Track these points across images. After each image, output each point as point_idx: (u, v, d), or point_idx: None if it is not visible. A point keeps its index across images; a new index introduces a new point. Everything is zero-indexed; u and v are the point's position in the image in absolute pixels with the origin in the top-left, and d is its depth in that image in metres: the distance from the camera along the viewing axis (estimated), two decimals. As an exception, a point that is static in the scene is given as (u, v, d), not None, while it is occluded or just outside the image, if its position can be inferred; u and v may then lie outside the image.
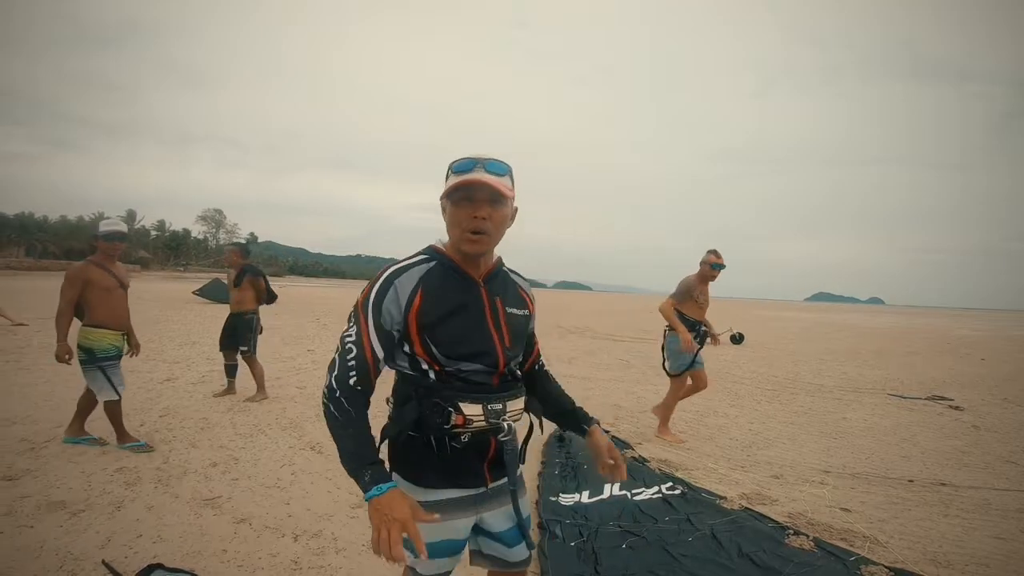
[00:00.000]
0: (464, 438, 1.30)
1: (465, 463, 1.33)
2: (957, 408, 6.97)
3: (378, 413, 1.28)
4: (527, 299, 1.48)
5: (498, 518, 1.42)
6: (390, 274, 1.30)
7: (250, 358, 5.95)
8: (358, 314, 1.29)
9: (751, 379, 8.92)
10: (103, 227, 4.07)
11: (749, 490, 3.71)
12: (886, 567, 2.51)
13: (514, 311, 1.41)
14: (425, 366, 1.30)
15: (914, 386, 8.71)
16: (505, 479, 1.39)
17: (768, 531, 2.93)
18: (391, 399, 1.38)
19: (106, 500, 3.17)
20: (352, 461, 1.21)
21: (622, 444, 4.57)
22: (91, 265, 3.98)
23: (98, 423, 4.23)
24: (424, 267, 1.32)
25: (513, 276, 1.48)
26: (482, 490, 1.37)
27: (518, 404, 1.38)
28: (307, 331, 13.01)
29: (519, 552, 1.45)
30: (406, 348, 1.31)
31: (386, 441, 1.35)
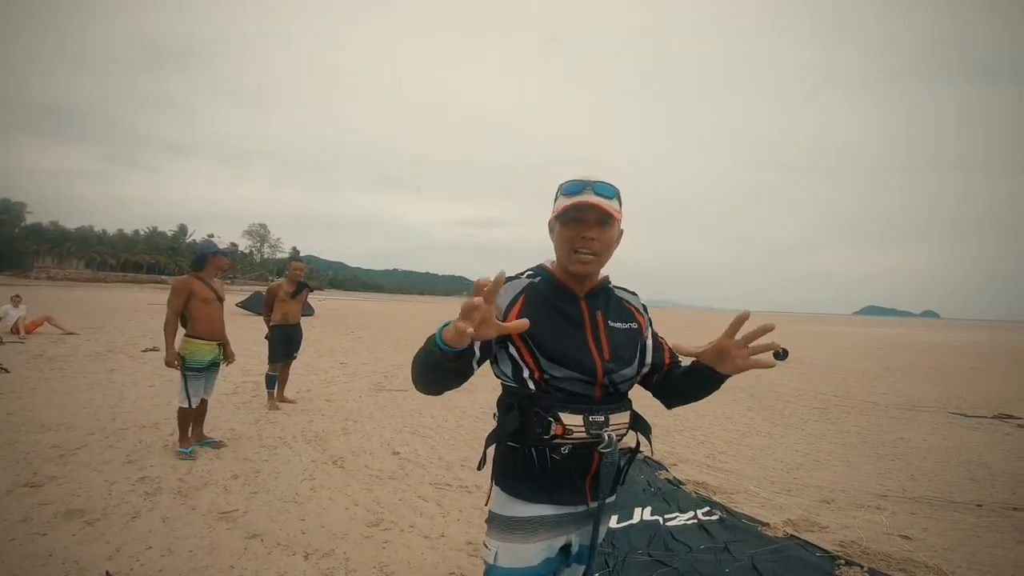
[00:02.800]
0: (564, 450, 1.27)
1: (565, 477, 1.29)
2: (1027, 428, 6.39)
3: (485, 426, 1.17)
4: (635, 312, 1.44)
5: (583, 537, 1.38)
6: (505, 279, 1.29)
7: (288, 364, 6.28)
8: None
9: (797, 397, 8.45)
10: (215, 244, 4.42)
11: (795, 516, 3.40)
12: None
13: (618, 325, 1.37)
14: (526, 373, 1.28)
15: (978, 404, 8.08)
16: (610, 499, 1.36)
17: (816, 561, 2.65)
18: (497, 411, 1.38)
19: (123, 510, 3.14)
20: (423, 349, 1.19)
21: (656, 465, 4.30)
22: (193, 278, 4.25)
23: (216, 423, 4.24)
24: (530, 279, 1.35)
25: (619, 292, 1.47)
26: (581, 508, 1.32)
27: (622, 418, 1.32)
28: (342, 344, 13.12)
29: (576, 571, 1.41)
30: (510, 350, 1.30)
31: (491, 451, 1.34)
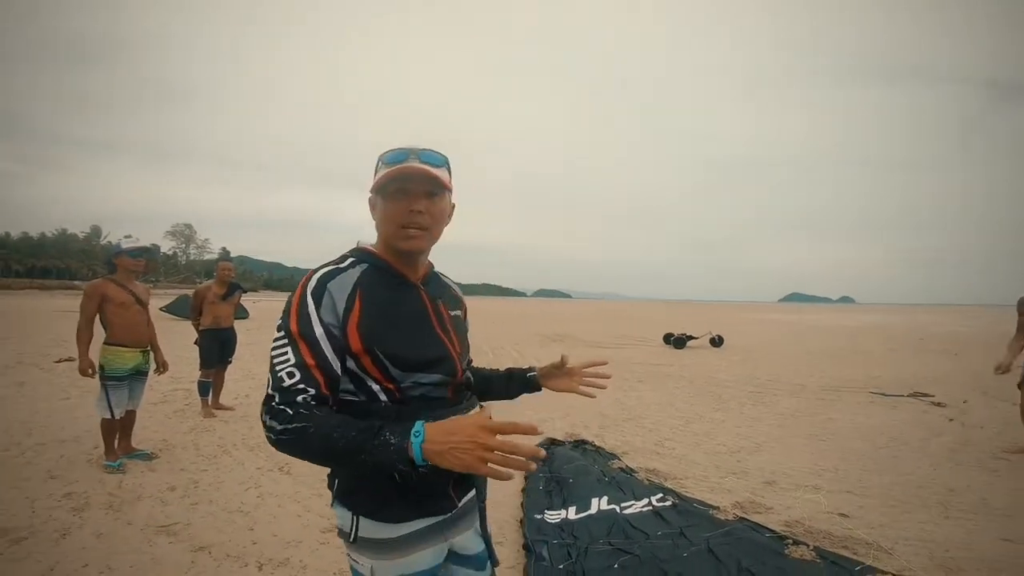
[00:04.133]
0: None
1: (434, 487, 1.16)
2: (939, 404, 6.96)
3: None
4: (461, 300, 1.38)
5: (469, 540, 1.27)
6: (321, 278, 1.12)
7: (223, 369, 6.01)
8: (291, 331, 1.07)
9: (733, 382, 8.84)
10: (126, 244, 4.14)
11: (742, 498, 3.55)
12: (894, 575, 2.36)
13: (456, 313, 1.31)
14: (376, 387, 1.12)
15: (894, 383, 8.71)
16: (472, 493, 1.24)
17: (766, 542, 2.77)
18: None
19: (51, 527, 2.91)
20: (355, 446, 0.96)
21: (608, 455, 4.38)
22: (108, 281, 4.00)
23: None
24: (357, 270, 1.16)
25: (444, 278, 1.37)
26: (451, 513, 1.21)
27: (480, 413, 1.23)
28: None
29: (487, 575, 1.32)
30: (350, 366, 1.11)
31: (336, 482, 1.19)
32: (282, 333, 1.08)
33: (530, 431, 0.93)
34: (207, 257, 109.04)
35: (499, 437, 0.92)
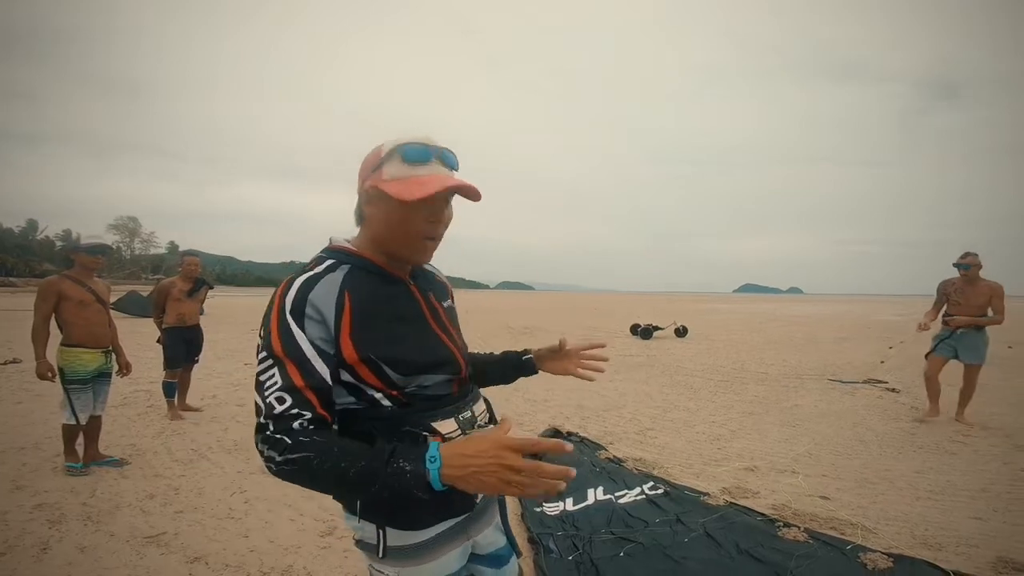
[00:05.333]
0: None
1: (452, 490, 1.14)
2: (893, 391, 7.34)
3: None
4: (448, 286, 1.30)
5: (490, 536, 1.23)
6: (300, 289, 1.00)
7: (189, 369, 5.78)
8: (274, 351, 0.97)
9: (702, 371, 9.10)
10: (84, 240, 3.95)
11: (729, 484, 3.67)
12: (884, 553, 2.50)
13: (448, 304, 1.24)
14: (378, 395, 1.04)
15: (849, 370, 9.14)
16: None
17: (759, 525, 2.88)
18: None
19: (28, 541, 2.76)
20: (367, 476, 0.88)
21: (594, 446, 4.45)
22: (64, 279, 3.79)
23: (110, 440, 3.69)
24: (339, 274, 1.05)
25: (427, 266, 1.25)
26: (473, 511, 1.17)
27: (482, 406, 1.20)
28: (243, 343, 12.25)
29: (511, 570, 1.28)
30: (346, 377, 1.03)
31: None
32: (265, 354, 0.98)
33: (557, 450, 0.89)
34: (154, 251, 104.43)
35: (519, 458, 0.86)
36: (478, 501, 1.17)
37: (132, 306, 19.28)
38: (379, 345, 1.03)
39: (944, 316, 5.54)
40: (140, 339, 12.11)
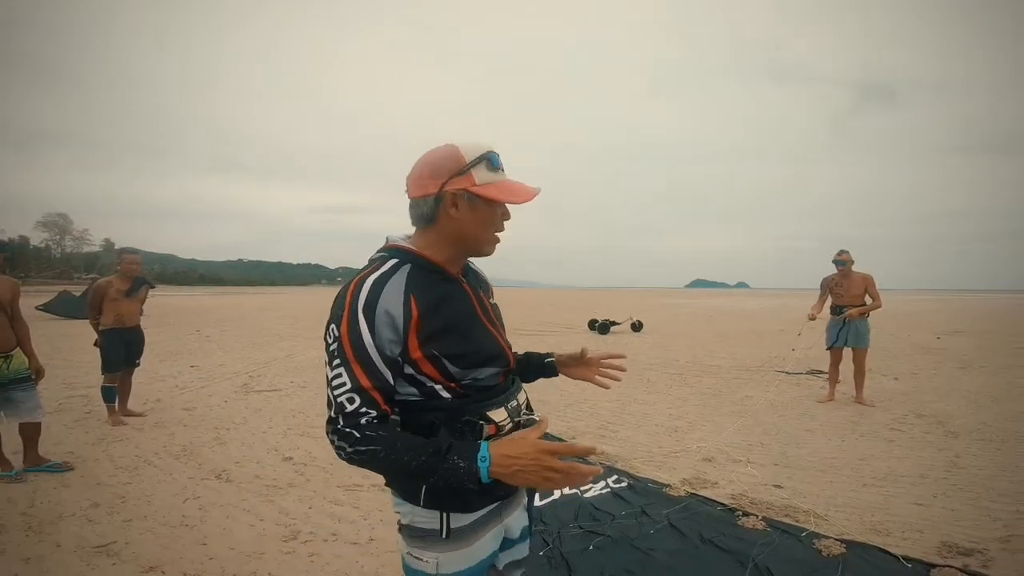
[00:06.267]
0: None
1: None
2: (839, 382, 7.72)
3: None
4: (490, 285, 1.38)
5: (518, 518, 1.32)
6: (370, 291, 1.08)
7: (130, 372, 5.51)
8: (345, 353, 1.06)
9: (658, 365, 9.33)
10: None
11: (689, 475, 3.78)
12: (837, 539, 2.63)
13: (494, 302, 1.33)
14: (438, 387, 1.13)
15: (792, 362, 9.54)
16: None
17: (719, 515, 2.98)
18: None
19: (-35, 554, 2.56)
20: (427, 469, 1.01)
21: (557, 440, 4.49)
22: None
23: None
24: (402, 274, 1.12)
25: (472, 265, 1.33)
26: (511, 496, 1.27)
27: (523, 396, 1.29)
28: (187, 345, 11.78)
29: (522, 549, 1.36)
30: (410, 372, 1.12)
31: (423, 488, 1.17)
32: (337, 356, 1.07)
33: (587, 453, 1.04)
34: (87, 250, 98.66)
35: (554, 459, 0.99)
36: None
37: (64, 307, 18.28)
38: (441, 342, 1.11)
39: (831, 307, 6.31)
40: (75, 342, 11.46)
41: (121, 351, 5.28)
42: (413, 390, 1.13)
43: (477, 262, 1.33)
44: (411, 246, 1.18)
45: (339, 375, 1.06)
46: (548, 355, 1.53)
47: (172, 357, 9.82)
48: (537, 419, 1.22)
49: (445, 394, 1.14)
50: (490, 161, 1.15)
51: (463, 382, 1.15)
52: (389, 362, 1.07)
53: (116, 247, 6.58)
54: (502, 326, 1.30)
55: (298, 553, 2.68)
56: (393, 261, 1.15)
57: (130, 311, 5.37)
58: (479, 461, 0.99)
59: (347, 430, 1.04)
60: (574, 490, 3.32)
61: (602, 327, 15.06)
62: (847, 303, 6.16)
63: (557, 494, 3.27)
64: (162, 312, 21.88)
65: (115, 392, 5.31)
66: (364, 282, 1.10)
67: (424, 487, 1.14)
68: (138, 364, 5.56)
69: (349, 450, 1.04)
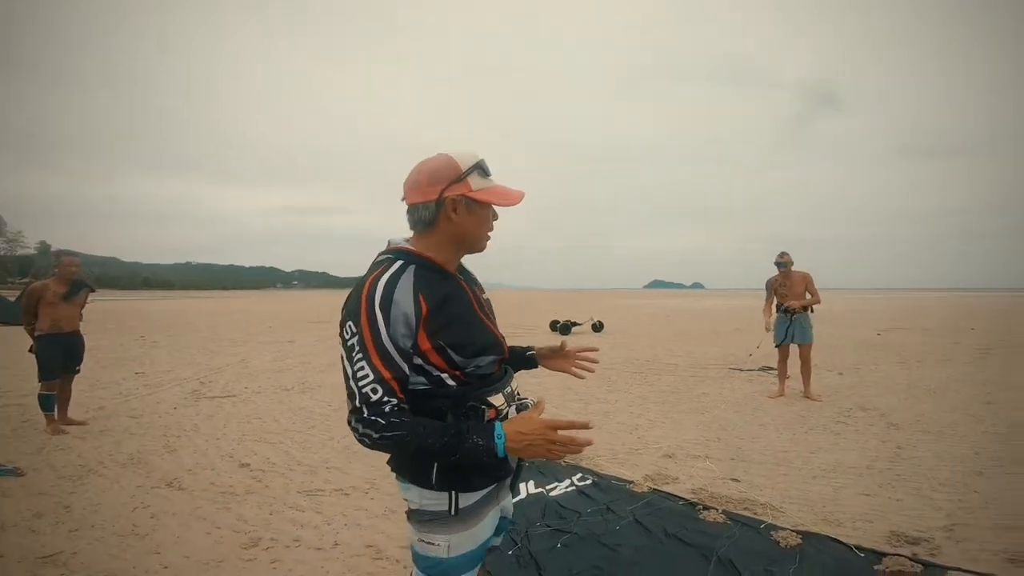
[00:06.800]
0: None
1: None
2: (787, 378, 8.03)
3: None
4: (480, 283, 1.50)
5: (508, 502, 1.45)
6: (385, 288, 1.19)
7: (70, 379, 5.26)
8: (367, 347, 1.16)
9: (619, 364, 9.48)
10: None
11: (651, 471, 3.86)
12: (793, 530, 2.73)
13: (486, 297, 1.44)
14: (444, 375, 1.25)
15: (746, 359, 9.88)
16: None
17: (681, 509, 3.05)
18: None
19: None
20: (453, 448, 1.14)
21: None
22: None
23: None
24: (409, 273, 1.24)
25: (464, 263, 1.47)
26: (510, 476, 1.38)
27: (516, 382, 1.41)
28: (132, 351, 11.31)
29: (495, 539, 1.44)
30: (417, 362, 1.22)
31: (434, 468, 1.26)
32: (359, 350, 1.15)
33: (584, 426, 1.20)
34: (21, 252, 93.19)
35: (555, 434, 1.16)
36: (514, 467, 1.37)
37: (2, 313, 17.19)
38: (446, 333, 1.22)
39: (777, 306, 6.66)
40: (9, 348, 10.83)
41: (58, 357, 5.03)
42: (422, 379, 1.23)
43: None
44: (412, 248, 1.28)
45: (361, 368, 1.15)
46: (529, 348, 1.64)
47: (115, 364, 9.42)
48: (531, 402, 1.34)
49: (451, 382, 1.25)
50: (482, 169, 1.29)
51: (466, 370, 1.26)
52: (404, 354, 1.17)
53: (53, 249, 6.25)
54: (495, 319, 1.41)
55: (259, 560, 2.60)
56: (399, 262, 1.25)
57: (68, 316, 5.12)
58: (496, 439, 1.14)
59: (372, 418, 1.13)
60: (539, 489, 3.35)
61: (563, 328, 15.21)
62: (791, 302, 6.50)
63: (523, 493, 3.28)
64: (104, 317, 20.91)
65: (53, 400, 5.05)
66: (378, 281, 1.20)
67: (435, 468, 1.23)
68: (78, 371, 5.30)
69: (376, 436, 1.13)
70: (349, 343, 1.17)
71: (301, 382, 7.79)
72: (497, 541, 1.45)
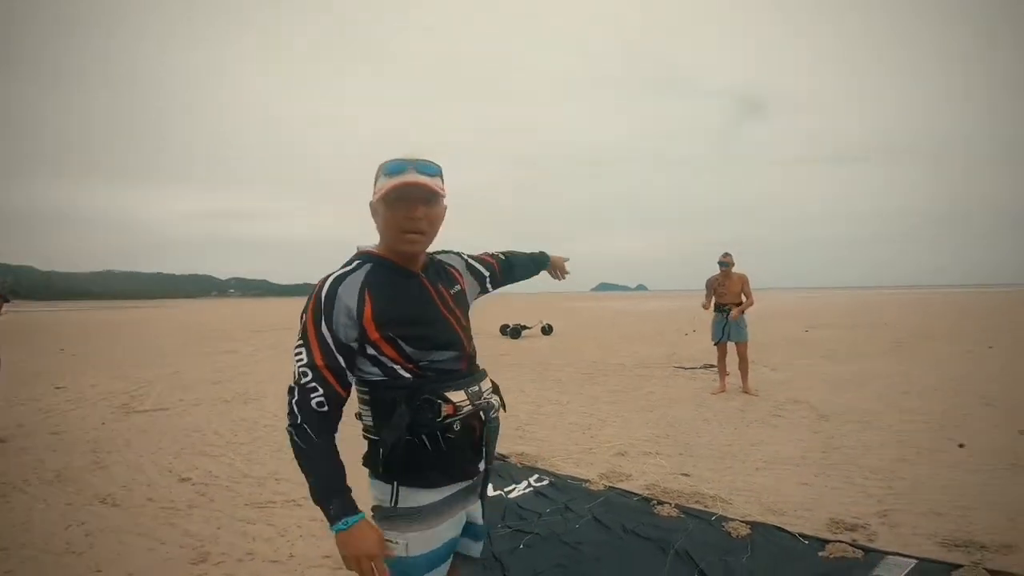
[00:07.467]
0: (456, 427, 1.29)
1: (461, 452, 1.32)
2: (727, 375, 8.40)
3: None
4: (455, 273, 1.50)
5: (479, 508, 1.43)
6: (331, 284, 1.26)
7: None
8: (307, 333, 1.24)
9: (568, 366, 9.64)
10: None
11: (605, 469, 3.95)
12: (742, 521, 2.86)
13: (456, 289, 1.45)
14: (397, 367, 1.27)
15: (688, 358, 10.25)
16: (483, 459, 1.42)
17: (637, 505, 3.14)
18: (364, 414, 1.32)
19: None
20: (317, 492, 1.20)
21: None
22: None
23: None
24: (362, 271, 1.29)
25: (439, 257, 1.50)
26: (473, 479, 1.37)
27: (487, 384, 1.40)
28: (49, 364, 10.62)
29: (479, 546, 1.46)
30: (372, 353, 1.26)
31: (379, 456, 1.28)
32: (300, 334, 1.24)
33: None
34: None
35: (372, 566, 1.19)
36: (480, 470, 1.37)
37: None
38: (394, 326, 1.25)
39: (715, 305, 7.01)
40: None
41: None
42: (376, 370, 1.27)
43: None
44: (374, 249, 1.35)
45: (299, 351, 1.23)
46: (544, 254, 1.92)
47: (33, 379, 8.79)
48: (496, 404, 1.37)
49: (405, 374, 1.27)
50: (387, 170, 1.29)
51: (421, 363, 1.27)
52: (342, 346, 1.22)
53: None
54: (463, 312, 1.42)
55: (211, 575, 2.49)
56: (357, 262, 1.32)
57: None
58: (339, 523, 1.17)
59: (294, 408, 1.20)
60: (498, 492, 3.36)
61: (514, 331, 15.28)
62: (728, 301, 6.87)
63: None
64: (19, 330, 19.37)
65: None
66: (328, 278, 1.27)
67: (382, 455, 1.26)
68: None
69: (288, 426, 1.21)
70: (298, 331, 1.25)
71: (242, 393, 7.49)
72: (476, 552, 1.45)
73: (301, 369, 1.21)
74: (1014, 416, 5.20)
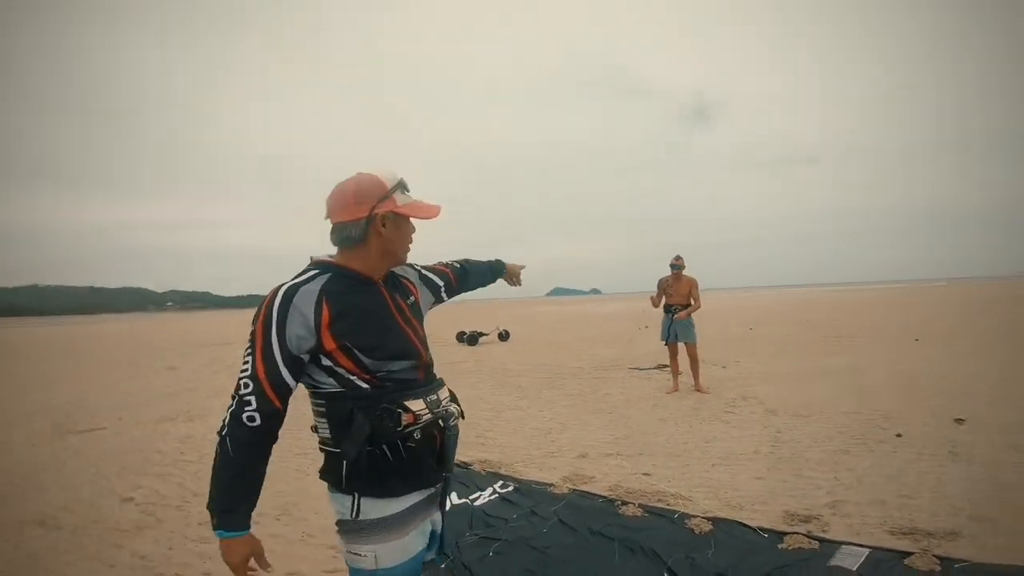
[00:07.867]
0: (416, 435, 1.30)
1: (422, 461, 1.33)
2: (679, 373, 8.64)
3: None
4: (410, 285, 1.53)
5: (439, 516, 1.44)
6: (285, 293, 1.25)
7: None
8: (255, 343, 1.23)
9: (527, 371, 9.68)
10: None
11: (568, 473, 3.98)
12: (703, 517, 2.95)
13: (411, 300, 1.47)
14: (354, 378, 1.27)
15: (643, 359, 10.48)
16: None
17: (601, 506, 3.19)
18: (321, 426, 1.31)
19: None
20: (212, 502, 1.22)
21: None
22: None
23: None
24: (319, 281, 1.29)
25: (393, 268, 1.50)
26: (436, 487, 1.39)
27: (445, 393, 1.43)
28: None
29: (434, 549, 1.47)
30: (328, 364, 1.26)
31: (343, 468, 1.28)
32: (248, 344, 1.23)
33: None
34: None
35: None
36: (442, 477, 1.39)
37: None
38: (352, 336, 1.25)
39: (664, 306, 7.23)
40: None
41: None
42: (332, 381, 1.27)
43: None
44: (334, 260, 1.34)
45: (246, 362, 1.23)
46: (500, 263, 1.96)
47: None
48: (455, 412, 1.39)
49: (363, 384, 1.27)
50: (404, 186, 1.36)
51: (378, 374, 1.28)
52: (290, 358, 1.22)
53: None
54: (419, 323, 1.44)
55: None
56: (313, 271, 1.32)
57: None
58: (224, 531, 1.22)
59: (230, 419, 1.20)
60: (463, 500, 3.34)
61: (471, 338, 15.22)
62: (676, 302, 7.11)
63: (447, 505, 3.26)
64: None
65: None
66: (282, 287, 1.26)
67: (344, 468, 1.27)
68: None
69: (221, 433, 1.21)
70: (247, 340, 1.25)
71: (186, 410, 7.16)
72: (431, 556, 1.46)
73: (243, 380, 1.22)
74: (948, 406, 5.53)
